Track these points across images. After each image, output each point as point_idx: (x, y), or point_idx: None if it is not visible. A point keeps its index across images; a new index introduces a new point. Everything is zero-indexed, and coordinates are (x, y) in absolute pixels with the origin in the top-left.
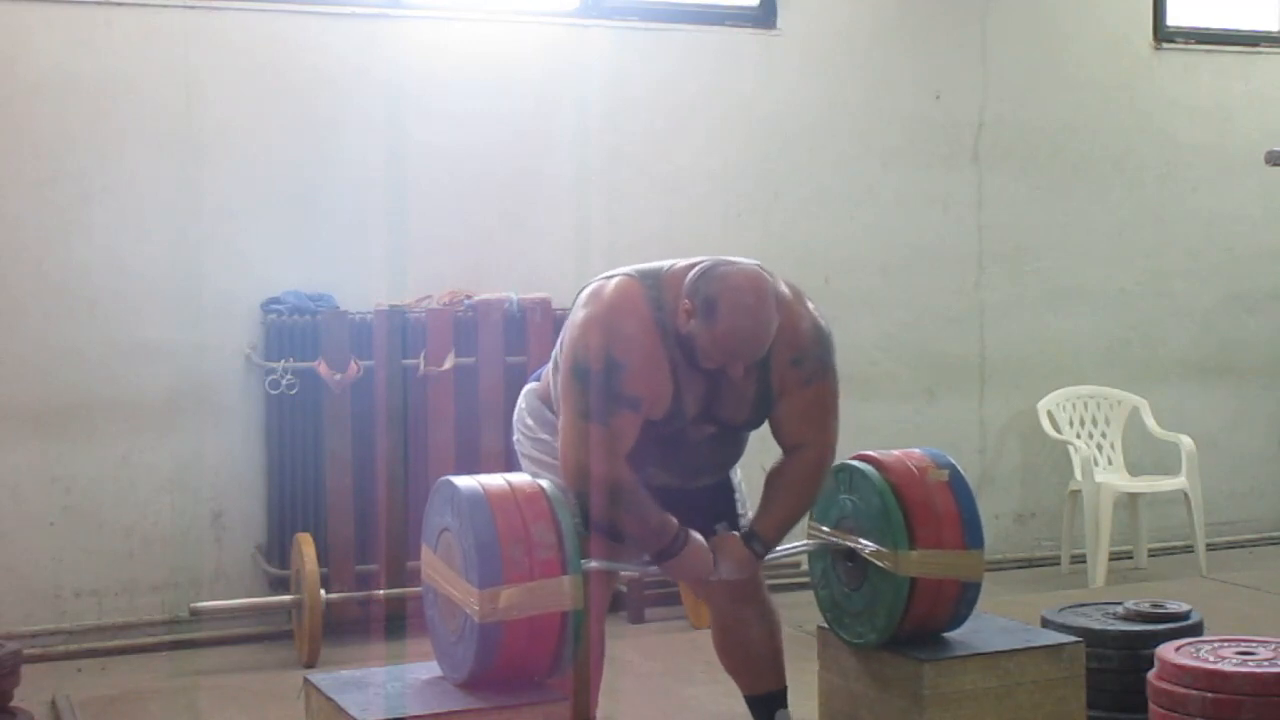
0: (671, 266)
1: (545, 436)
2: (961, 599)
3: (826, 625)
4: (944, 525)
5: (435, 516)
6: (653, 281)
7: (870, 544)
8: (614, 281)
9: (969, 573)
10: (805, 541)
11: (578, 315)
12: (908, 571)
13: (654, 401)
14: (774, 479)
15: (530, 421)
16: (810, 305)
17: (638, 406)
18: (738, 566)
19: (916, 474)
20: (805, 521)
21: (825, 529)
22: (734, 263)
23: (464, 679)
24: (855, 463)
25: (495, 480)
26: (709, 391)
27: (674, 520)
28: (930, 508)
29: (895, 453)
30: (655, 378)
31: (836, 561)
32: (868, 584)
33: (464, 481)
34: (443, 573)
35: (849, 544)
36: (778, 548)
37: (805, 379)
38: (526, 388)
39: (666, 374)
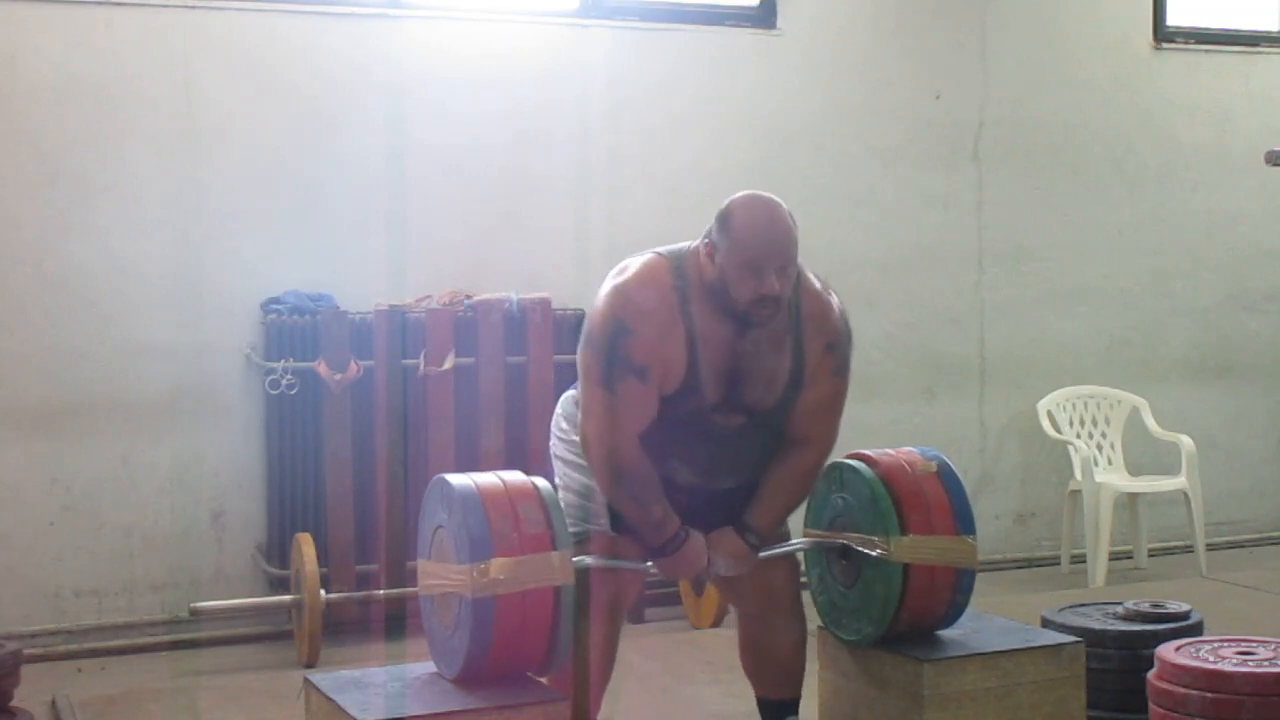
0: (696, 243)
1: (577, 438)
2: (957, 588)
3: (825, 626)
4: (934, 512)
5: (429, 518)
6: (676, 254)
7: (862, 536)
8: (638, 258)
9: (962, 559)
10: (799, 540)
11: (600, 290)
12: (900, 557)
13: (665, 372)
14: (770, 472)
15: (565, 425)
16: (837, 299)
17: (644, 375)
18: (733, 560)
19: (906, 466)
20: (801, 524)
21: (818, 531)
22: None
23: (460, 668)
24: (846, 461)
25: (485, 475)
26: (734, 371)
27: (676, 518)
28: (920, 495)
29: (886, 450)
30: (665, 345)
31: (832, 562)
32: (862, 579)
33: (455, 476)
34: (437, 571)
35: (841, 540)
36: (774, 548)
37: (833, 369)
38: (565, 395)
39: (680, 341)
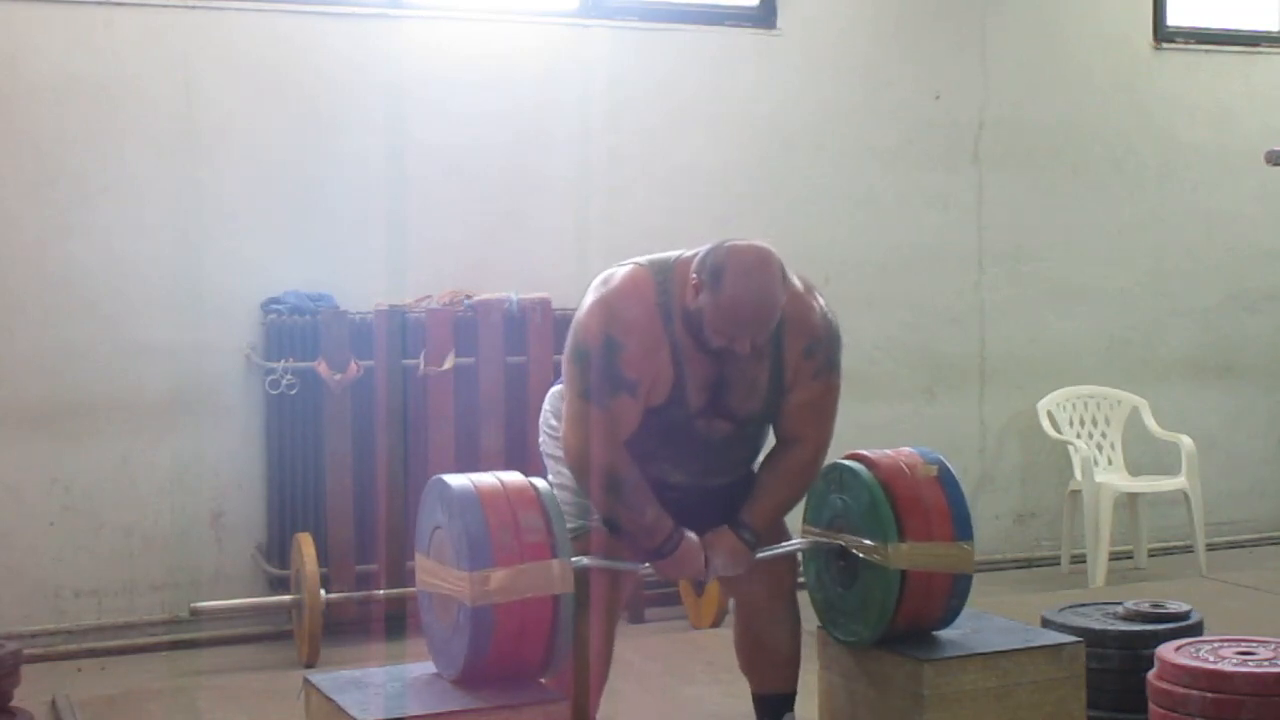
0: (681, 255)
1: None
2: (953, 593)
3: (822, 626)
4: (933, 518)
5: (427, 517)
6: (661, 268)
7: (860, 539)
8: (622, 269)
9: (959, 565)
10: (797, 540)
11: (584, 300)
12: (898, 564)
13: (652, 386)
14: (765, 470)
15: (554, 422)
16: (821, 299)
17: (635, 390)
18: (731, 559)
19: (906, 470)
20: (799, 523)
21: (817, 530)
22: (743, 239)
23: (459, 671)
24: (846, 462)
25: (484, 476)
26: (717, 382)
27: (669, 520)
28: (919, 501)
29: (886, 451)
30: (653, 361)
31: (829, 562)
32: (859, 582)
33: (453, 477)
34: (435, 571)
35: (839, 542)
36: (771, 548)
37: (815, 371)
38: (552, 389)
39: (666, 358)
